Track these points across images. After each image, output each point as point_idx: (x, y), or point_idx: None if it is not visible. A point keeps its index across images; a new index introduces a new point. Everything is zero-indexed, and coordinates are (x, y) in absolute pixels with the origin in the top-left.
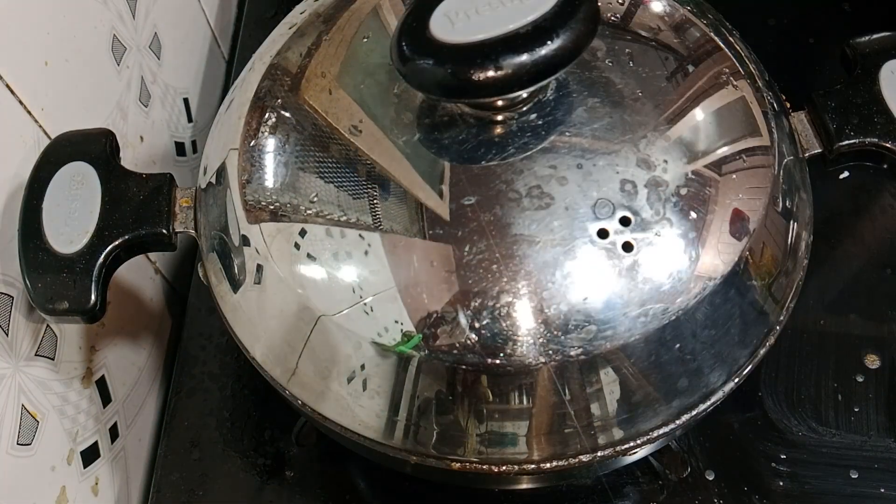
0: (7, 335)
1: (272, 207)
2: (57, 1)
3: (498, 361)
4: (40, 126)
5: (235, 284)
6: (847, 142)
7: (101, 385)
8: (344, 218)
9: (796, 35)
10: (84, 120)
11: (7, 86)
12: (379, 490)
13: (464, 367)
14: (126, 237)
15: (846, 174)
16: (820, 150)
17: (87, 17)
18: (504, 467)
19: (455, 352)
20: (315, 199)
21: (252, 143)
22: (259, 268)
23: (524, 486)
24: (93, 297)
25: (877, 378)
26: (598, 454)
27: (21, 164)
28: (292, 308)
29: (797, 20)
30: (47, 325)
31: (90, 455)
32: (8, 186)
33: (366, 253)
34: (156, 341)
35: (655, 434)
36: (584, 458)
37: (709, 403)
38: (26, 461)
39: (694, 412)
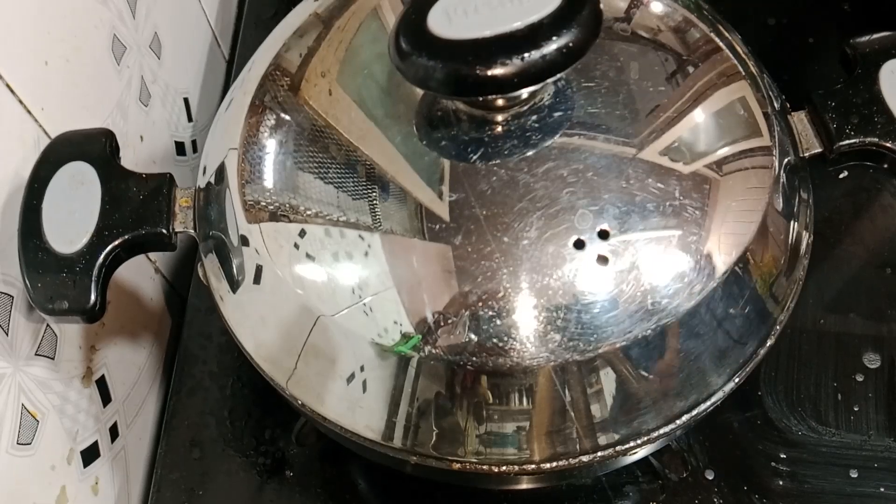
0: (7, 335)
1: (271, 207)
2: (57, 0)
3: (497, 362)
4: (40, 126)
5: (235, 284)
6: (847, 141)
7: (101, 384)
8: (343, 218)
9: (796, 35)
10: (84, 119)
11: (7, 85)
12: (379, 490)
13: (463, 367)
14: (126, 237)
15: (845, 173)
16: (820, 150)
17: (87, 16)
18: (504, 467)
19: (455, 352)
20: (314, 199)
21: (252, 143)
22: (258, 268)
23: (524, 487)
24: (92, 297)
25: (876, 377)
26: (598, 454)
27: (21, 163)
28: (292, 308)
29: (797, 20)
30: (47, 325)
31: (90, 454)
32: (8, 186)
33: (365, 253)
34: (156, 341)
35: (655, 434)
36: (585, 458)
37: (709, 403)
38: (26, 461)
39: (694, 412)
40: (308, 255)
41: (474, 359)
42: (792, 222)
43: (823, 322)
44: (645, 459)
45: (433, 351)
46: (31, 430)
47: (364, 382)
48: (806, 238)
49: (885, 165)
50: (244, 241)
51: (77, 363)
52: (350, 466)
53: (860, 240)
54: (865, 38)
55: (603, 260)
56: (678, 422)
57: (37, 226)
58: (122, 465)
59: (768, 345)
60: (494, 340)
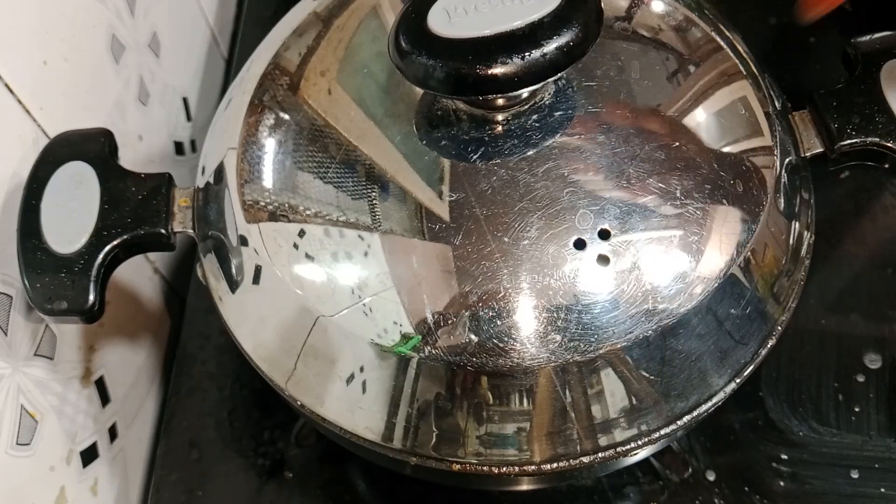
0: (6, 335)
1: (271, 207)
2: (56, 0)
3: (498, 362)
4: (39, 125)
5: (234, 284)
6: (848, 141)
7: (100, 385)
8: (343, 218)
9: (797, 34)
10: (83, 119)
11: (6, 85)
12: (378, 491)
13: (463, 368)
14: (125, 237)
15: (847, 173)
16: (821, 150)
17: (86, 16)
18: (504, 469)
19: (455, 353)
20: (314, 199)
21: (251, 143)
22: (257, 268)
23: (524, 488)
24: (91, 297)
25: (877, 378)
26: (599, 455)
27: (20, 163)
28: (291, 309)
29: None
30: (46, 325)
31: (89, 455)
32: (6, 186)
33: (365, 253)
34: (154, 341)
35: (656, 435)
36: (585, 459)
37: (710, 404)
38: (25, 461)
39: (695, 413)
40: (307, 256)
41: (474, 359)
42: (793, 222)
43: (824, 322)
44: (646, 460)
45: (433, 351)
46: (31, 431)
47: (364, 383)
48: (807, 238)
49: (887, 165)
50: (243, 241)
51: (76, 364)
52: (349, 468)
53: (861, 240)
54: (867, 38)
55: (604, 260)
56: (679, 423)
57: (35, 226)
58: (122, 466)
59: (769, 345)
60: (495, 341)
